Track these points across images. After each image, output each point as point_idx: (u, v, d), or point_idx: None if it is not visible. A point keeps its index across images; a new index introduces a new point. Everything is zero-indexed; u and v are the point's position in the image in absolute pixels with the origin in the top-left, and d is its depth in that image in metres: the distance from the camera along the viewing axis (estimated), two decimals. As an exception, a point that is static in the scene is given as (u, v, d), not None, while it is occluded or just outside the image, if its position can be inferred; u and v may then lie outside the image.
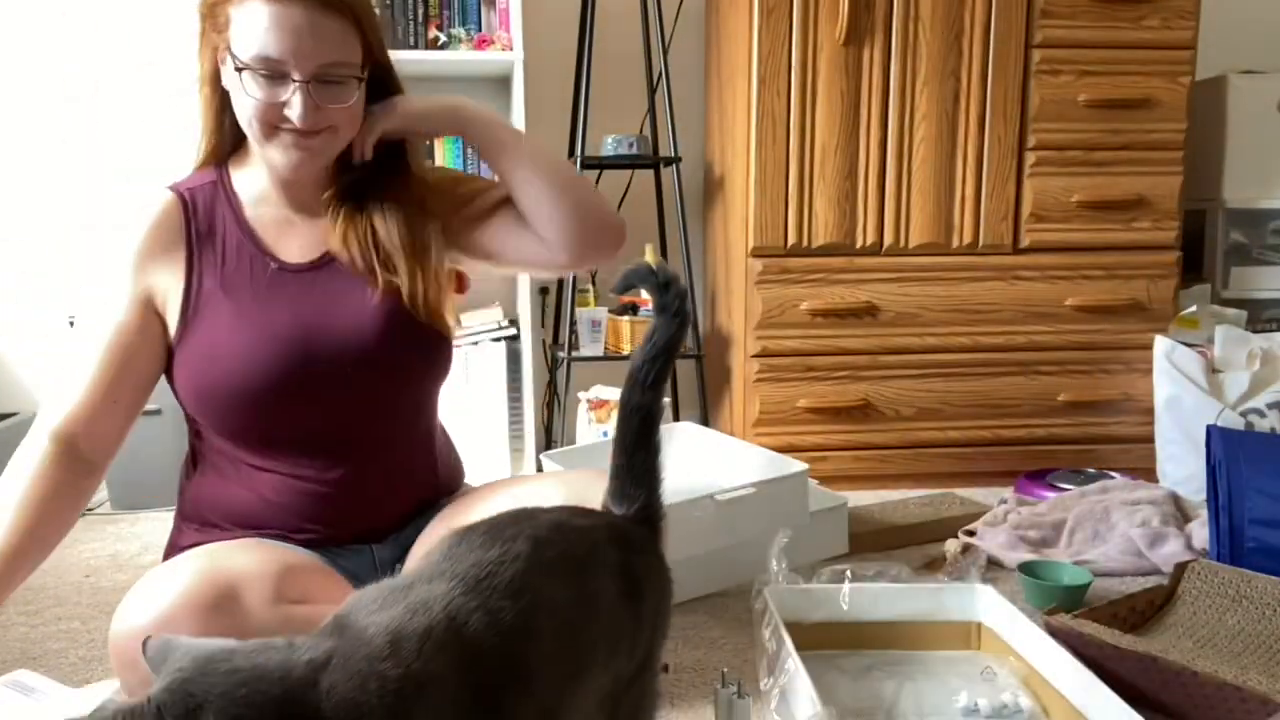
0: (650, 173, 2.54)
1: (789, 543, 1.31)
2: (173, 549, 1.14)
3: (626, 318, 2.37)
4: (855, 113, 2.17)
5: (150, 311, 1.10)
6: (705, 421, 2.40)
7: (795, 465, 1.68)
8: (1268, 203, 2.46)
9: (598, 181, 2.57)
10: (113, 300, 1.09)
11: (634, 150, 2.36)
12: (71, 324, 2.35)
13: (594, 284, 2.51)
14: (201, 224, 1.13)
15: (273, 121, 1.05)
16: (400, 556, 1.17)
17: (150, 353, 1.10)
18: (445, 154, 2.39)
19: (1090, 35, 2.19)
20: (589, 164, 2.35)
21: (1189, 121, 2.24)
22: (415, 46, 2.33)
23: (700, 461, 1.90)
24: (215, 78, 1.10)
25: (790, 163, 2.18)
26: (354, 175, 1.16)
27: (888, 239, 2.22)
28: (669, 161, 2.34)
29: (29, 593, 1.64)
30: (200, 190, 1.14)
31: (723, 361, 2.46)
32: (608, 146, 2.36)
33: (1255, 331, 2.25)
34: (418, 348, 1.17)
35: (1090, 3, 2.17)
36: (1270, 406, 2.06)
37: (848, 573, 1.33)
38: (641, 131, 2.52)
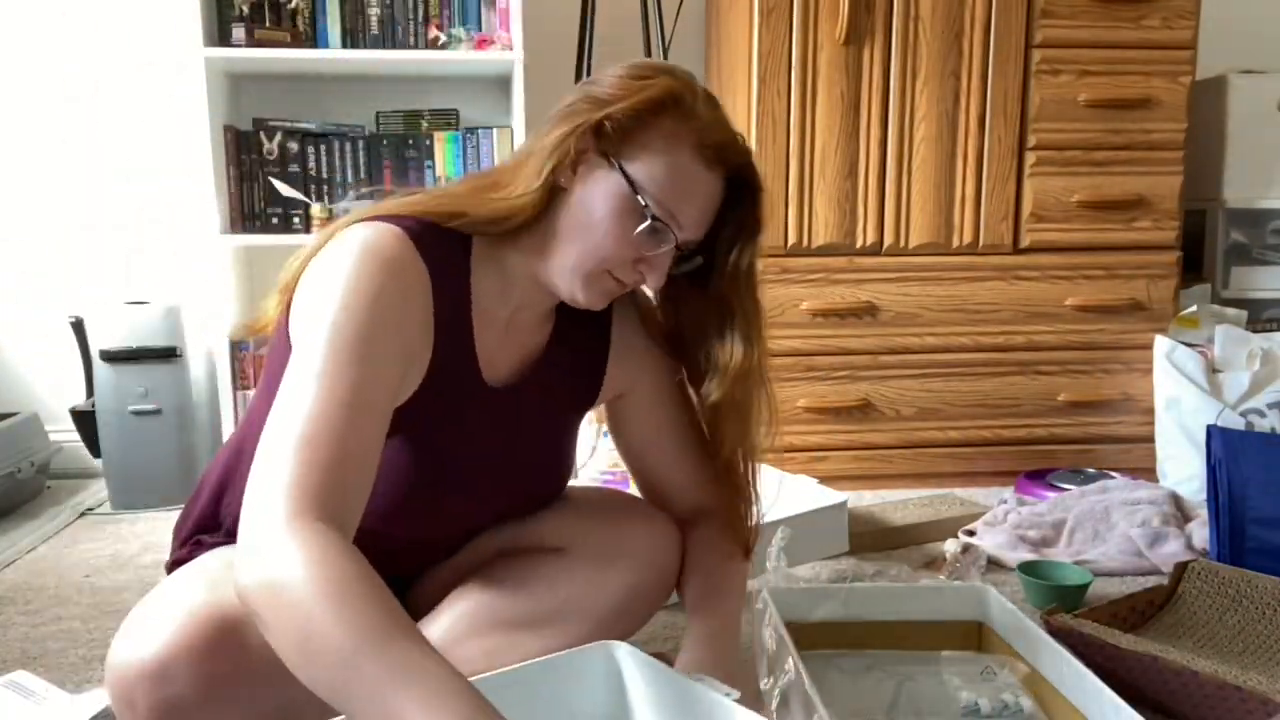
0: (650, 173, 2.53)
1: (789, 543, 1.31)
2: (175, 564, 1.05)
3: (626, 318, 2.37)
4: (855, 113, 2.17)
5: (403, 367, 0.89)
6: (705, 421, 2.39)
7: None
8: (1268, 203, 2.46)
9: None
10: (360, 347, 0.83)
11: (634, 150, 2.35)
12: (73, 324, 2.34)
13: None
14: (443, 303, 0.95)
15: (622, 266, 0.95)
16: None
17: (388, 409, 0.87)
18: (445, 152, 2.39)
19: (1090, 35, 2.19)
20: (589, 164, 2.35)
21: (1189, 121, 2.24)
22: (415, 46, 2.33)
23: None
24: (573, 166, 0.95)
25: (790, 163, 2.17)
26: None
27: (888, 239, 2.22)
28: (669, 161, 2.34)
29: (29, 593, 1.64)
30: (448, 265, 0.95)
31: (723, 361, 2.45)
32: (608, 146, 2.36)
33: (1255, 331, 2.25)
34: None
35: (1090, 3, 2.17)
36: (1270, 406, 2.06)
37: (848, 573, 1.33)
38: (641, 131, 2.52)
